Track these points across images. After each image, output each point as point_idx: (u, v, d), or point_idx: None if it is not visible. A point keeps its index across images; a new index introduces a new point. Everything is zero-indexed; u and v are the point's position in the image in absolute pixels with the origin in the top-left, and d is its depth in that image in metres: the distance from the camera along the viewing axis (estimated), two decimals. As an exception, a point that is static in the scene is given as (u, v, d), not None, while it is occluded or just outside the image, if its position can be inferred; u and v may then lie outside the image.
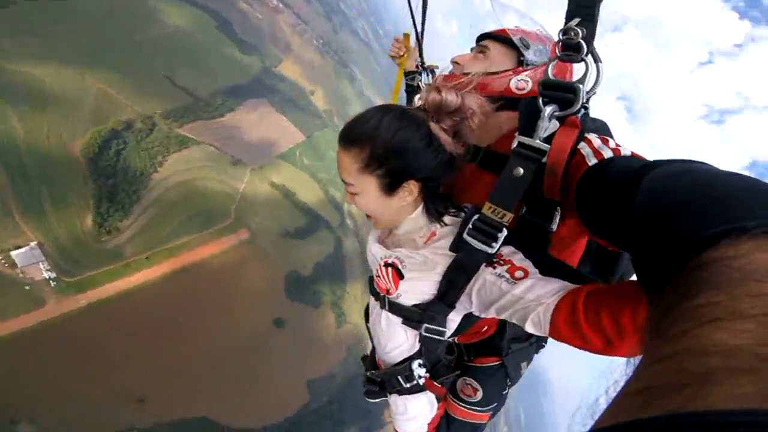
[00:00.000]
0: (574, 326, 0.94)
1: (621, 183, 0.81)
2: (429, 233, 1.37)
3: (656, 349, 0.38)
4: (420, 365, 1.47)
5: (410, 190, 1.30)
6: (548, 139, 1.08)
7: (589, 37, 1.03)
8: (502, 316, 1.16)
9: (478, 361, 1.79)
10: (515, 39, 1.44)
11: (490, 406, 1.85)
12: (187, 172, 47.66)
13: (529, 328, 1.07)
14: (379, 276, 1.42)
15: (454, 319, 1.40)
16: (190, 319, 41.29)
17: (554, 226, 1.18)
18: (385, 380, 1.57)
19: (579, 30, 1.03)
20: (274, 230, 52.90)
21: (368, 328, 1.70)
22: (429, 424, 1.70)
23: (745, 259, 0.43)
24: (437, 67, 1.80)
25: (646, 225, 0.64)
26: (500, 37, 1.53)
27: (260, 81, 63.69)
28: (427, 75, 2.07)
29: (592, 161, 1.00)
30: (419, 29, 2.12)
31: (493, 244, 1.12)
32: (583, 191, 1.00)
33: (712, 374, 0.29)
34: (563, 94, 1.08)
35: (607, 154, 1.00)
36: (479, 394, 1.79)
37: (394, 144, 1.24)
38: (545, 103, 1.11)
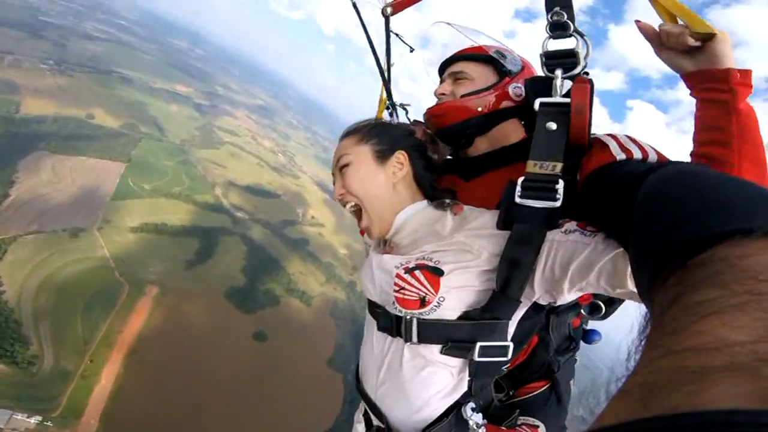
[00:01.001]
0: None
1: (630, 179, 0.81)
2: (456, 209, 1.22)
3: (657, 344, 0.37)
4: (473, 409, 1.14)
5: (400, 160, 1.25)
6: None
7: (572, 17, 1.14)
8: (586, 284, 0.97)
9: (522, 391, 1.43)
10: (492, 53, 1.40)
11: None
12: (38, 273, 40.40)
13: (624, 281, 0.89)
14: (402, 289, 1.12)
15: (512, 324, 1.13)
16: (182, 381, 39.27)
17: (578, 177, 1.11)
18: None
19: (562, 12, 1.13)
20: (177, 269, 46.71)
21: (363, 394, 1.33)
22: None
23: (750, 259, 0.43)
24: (409, 105, 1.75)
25: (650, 219, 0.65)
26: (472, 56, 1.43)
27: (15, 135, 48.56)
28: (397, 115, 2.00)
29: (620, 156, 1.00)
30: (384, 71, 1.95)
31: (557, 196, 1.00)
32: (593, 183, 1.00)
33: (712, 372, 0.28)
34: (565, 59, 1.14)
35: (637, 153, 0.99)
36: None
37: (385, 128, 1.35)
38: (552, 71, 1.15)
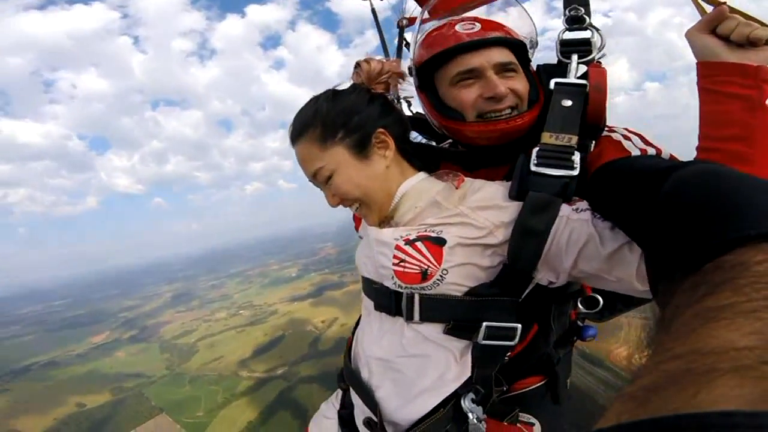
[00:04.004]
0: None
1: (651, 173, 0.76)
2: (457, 181, 1.13)
3: (664, 346, 0.37)
4: (473, 401, 1.04)
5: (382, 140, 1.14)
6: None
7: (588, 13, 1.22)
8: (591, 267, 0.92)
9: (519, 385, 1.29)
10: (526, 41, 1.24)
11: None
12: None
13: (632, 275, 0.85)
14: (402, 262, 1.04)
15: (520, 303, 1.05)
16: None
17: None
18: None
19: (579, 8, 1.21)
20: None
21: (354, 379, 1.20)
22: None
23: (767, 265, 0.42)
24: (412, 98, 1.48)
25: (671, 218, 0.62)
26: (508, 41, 1.18)
27: None
28: (408, 105, 1.74)
29: (635, 151, 0.99)
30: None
31: (574, 166, 0.97)
32: (606, 173, 0.96)
33: (715, 374, 0.28)
34: (580, 47, 1.19)
35: (651, 151, 0.98)
36: (536, 430, 1.29)
37: (340, 108, 1.12)
38: (567, 56, 1.19)
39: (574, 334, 1.48)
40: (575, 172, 0.98)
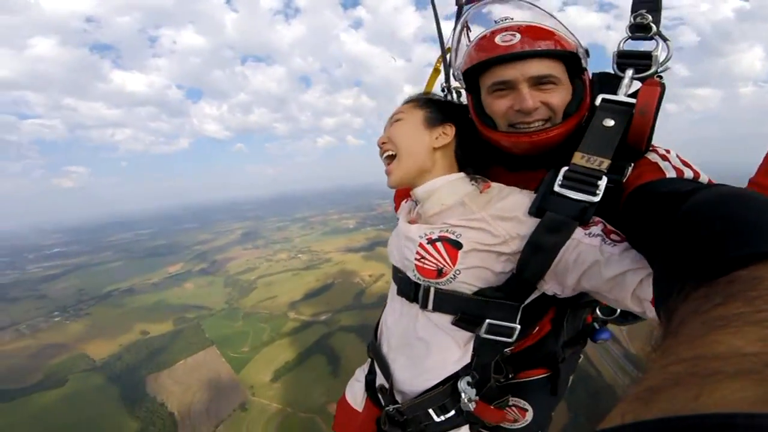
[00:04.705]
0: None
1: (674, 195, 0.78)
2: (483, 186, 1.23)
3: (671, 350, 0.37)
4: (469, 383, 1.18)
5: (446, 131, 1.29)
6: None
7: (657, 21, 1.14)
8: (591, 286, 0.99)
9: (523, 375, 1.46)
10: (579, 52, 1.14)
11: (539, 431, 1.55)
12: None
13: (626, 297, 0.91)
14: (423, 258, 1.18)
15: (522, 308, 1.15)
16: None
17: (624, 179, 1.05)
18: (410, 417, 1.26)
19: (647, 15, 1.13)
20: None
21: (377, 350, 1.42)
22: None
23: None
24: (464, 88, 1.52)
25: (687, 232, 0.62)
26: (554, 53, 1.12)
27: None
28: (452, 98, 1.81)
29: (671, 172, 0.97)
30: (447, 48, 1.82)
31: (597, 192, 0.98)
32: (638, 196, 0.95)
33: (720, 377, 0.29)
34: (639, 60, 1.13)
35: (688, 174, 0.96)
36: (528, 416, 1.48)
37: (446, 102, 1.41)
38: (623, 70, 1.15)
39: (586, 336, 1.59)
40: (596, 199, 0.98)
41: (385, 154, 1.32)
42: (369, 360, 1.62)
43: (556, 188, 1.02)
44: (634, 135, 1.04)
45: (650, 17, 1.13)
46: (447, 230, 1.16)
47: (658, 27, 1.14)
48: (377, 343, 1.45)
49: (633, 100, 1.05)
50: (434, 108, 1.33)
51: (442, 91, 1.88)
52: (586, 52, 1.17)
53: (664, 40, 1.13)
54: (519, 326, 1.14)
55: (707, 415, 0.24)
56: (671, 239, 0.66)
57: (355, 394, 1.64)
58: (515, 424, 1.49)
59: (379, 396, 1.41)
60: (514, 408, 1.47)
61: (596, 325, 1.62)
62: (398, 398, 1.29)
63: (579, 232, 1.00)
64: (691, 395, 0.28)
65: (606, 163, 1.01)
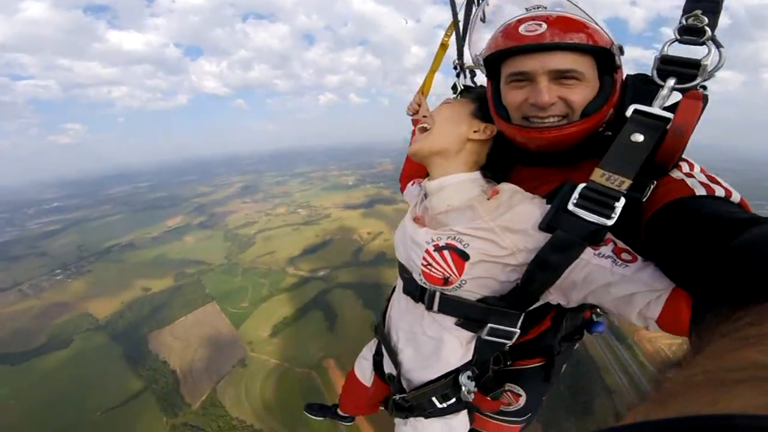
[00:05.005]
0: (682, 321, 0.86)
1: (726, 220, 0.76)
2: (491, 192, 1.22)
3: (695, 362, 0.39)
4: (469, 377, 1.29)
5: (487, 129, 1.28)
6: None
7: (713, 25, 1.00)
8: (596, 301, 1.02)
9: (520, 363, 1.55)
10: (613, 48, 1.08)
11: (528, 416, 1.66)
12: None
13: (631, 314, 0.94)
14: (429, 265, 1.20)
15: (523, 315, 1.20)
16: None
17: (644, 198, 1.00)
18: (415, 404, 1.40)
19: (703, 17, 0.99)
20: (331, 339, 45.88)
21: (386, 339, 1.53)
22: None
23: None
24: (485, 74, 1.41)
25: (738, 262, 0.63)
26: (582, 47, 1.05)
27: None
28: (465, 77, 1.84)
29: (699, 189, 0.91)
30: (462, 25, 1.76)
31: (612, 215, 0.94)
32: (671, 212, 0.91)
33: (733, 384, 0.29)
34: (685, 69, 1.01)
35: (719, 192, 0.91)
36: (521, 401, 1.59)
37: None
38: (664, 77, 1.03)
39: (584, 329, 1.65)
40: (610, 223, 0.93)
41: (420, 125, 1.36)
42: (375, 340, 1.81)
43: (570, 206, 0.97)
44: (663, 155, 0.96)
45: (706, 19, 0.99)
46: (454, 237, 1.16)
47: (713, 31, 0.99)
48: (385, 330, 1.55)
49: (669, 115, 0.95)
50: (485, 108, 1.30)
51: (454, 68, 1.87)
52: (620, 48, 1.10)
53: (718, 46, 0.99)
54: (519, 331, 1.19)
55: (707, 416, 0.24)
56: (725, 270, 0.65)
57: (364, 370, 1.89)
58: (509, 407, 1.59)
59: (387, 380, 1.56)
60: (508, 393, 1.56)
61: (594, 318, 1.66)
62: (404, 384, 1.41)
63: (588, 252, 0.98)
64: (709, 400, 0.28)
65: (627, 184, 0.94)
